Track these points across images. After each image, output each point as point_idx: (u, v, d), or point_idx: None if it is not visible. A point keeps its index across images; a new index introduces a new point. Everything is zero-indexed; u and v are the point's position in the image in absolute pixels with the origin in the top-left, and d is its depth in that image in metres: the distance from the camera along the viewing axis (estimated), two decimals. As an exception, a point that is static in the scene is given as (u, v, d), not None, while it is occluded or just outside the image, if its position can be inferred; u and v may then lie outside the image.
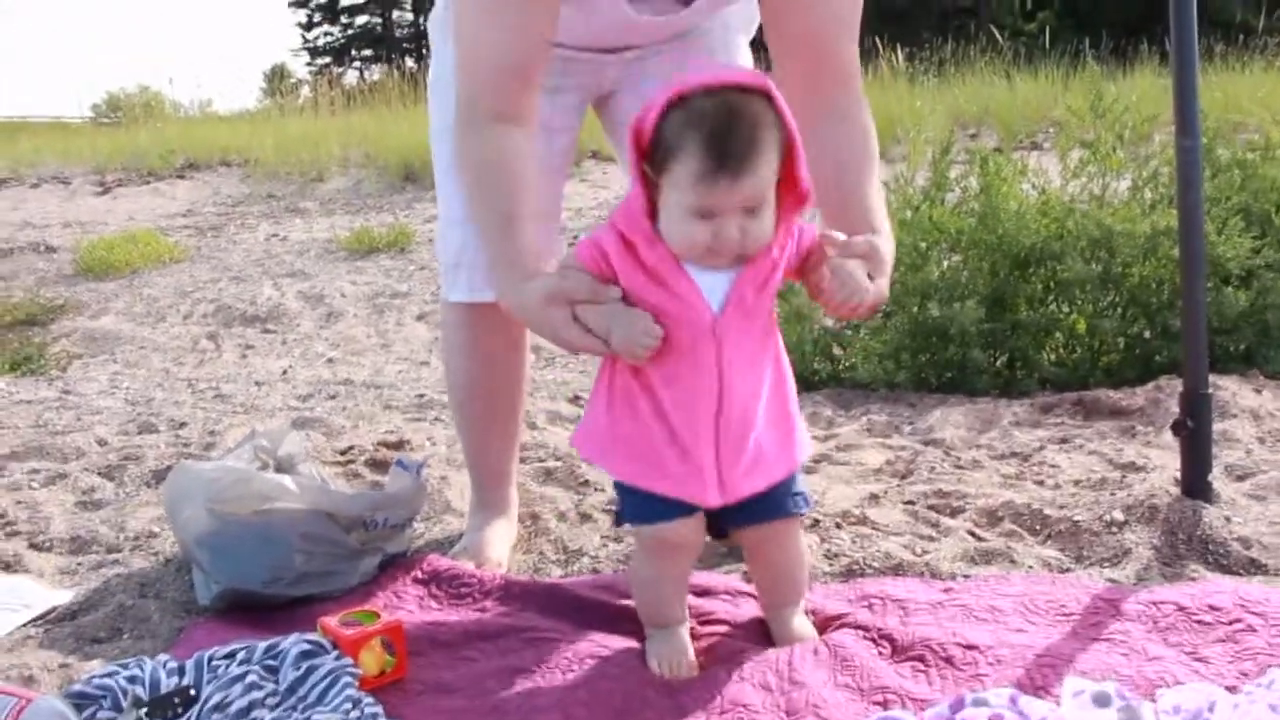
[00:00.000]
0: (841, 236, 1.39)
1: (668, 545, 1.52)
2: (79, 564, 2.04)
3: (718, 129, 1.29)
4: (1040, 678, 1.39)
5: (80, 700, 1.42)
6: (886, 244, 1.47)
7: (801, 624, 1.60)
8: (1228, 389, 2.63)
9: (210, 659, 1.50)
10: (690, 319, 1.38)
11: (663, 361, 1.40)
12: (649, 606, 1.58)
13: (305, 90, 16.36)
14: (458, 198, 1.85)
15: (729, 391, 1.40)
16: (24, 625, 1.79)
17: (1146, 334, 3.02)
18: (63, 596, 1.88)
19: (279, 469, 2.01)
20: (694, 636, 1.58)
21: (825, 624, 1.62)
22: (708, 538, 1.56)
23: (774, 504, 1.50)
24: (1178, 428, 1.96)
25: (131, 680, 1.46)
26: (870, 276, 1.40)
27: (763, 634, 1.60)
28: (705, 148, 1.29)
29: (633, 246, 1.38)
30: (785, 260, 1.42)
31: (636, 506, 1.50)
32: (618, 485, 1.53)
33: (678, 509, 1.47)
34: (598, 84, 1.87)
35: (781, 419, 1.48)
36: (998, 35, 10.58)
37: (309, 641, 1.50)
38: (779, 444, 1.48)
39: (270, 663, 1.49)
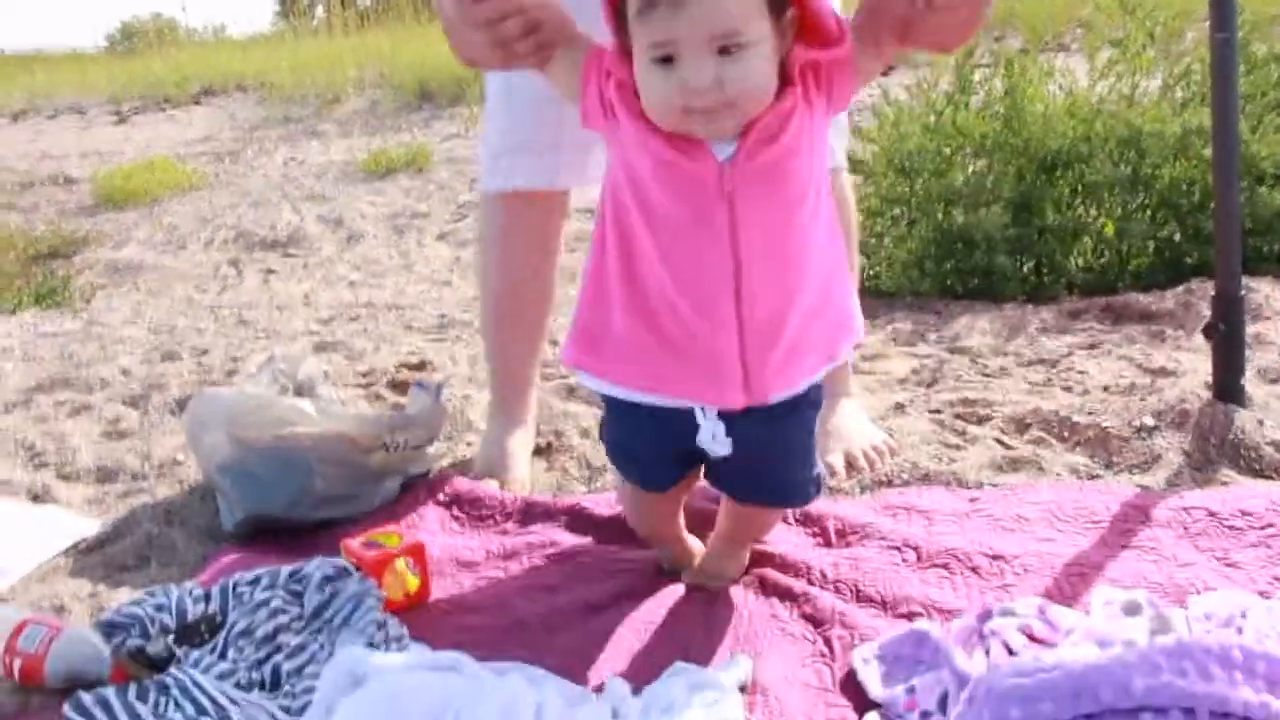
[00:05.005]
0: None
1: (653, 514, 1.48)
2: (106, 493, 2.05)
3: None
4: (1069, 587, 1.38)
5: (109, 629, 1.43)
6: None
7: (735, 564, 1.52)
8: (1261, 291, 2.58)
9: (235, 585, 1.51)
10: (690, 171, 1.15)
11: (661, 231, 1.18)
12: (640, 531, 1.55)
13: (320, 10, 16.15)
14: (503, 83, 1.81)
15: (748, 265, 1.17)
16: (55, 556, 1.80)
17: (1176, 237, 2.95)
18: (91, 526, 1.89)
19: (298, 393, 2.00)
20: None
21: (849, 533, 1.60)
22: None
23: (790, 491, 1.40)
24: (1209, 331, 1.92)
25: (159, 608, 1.46)
26: None
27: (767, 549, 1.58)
28: None
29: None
30: (822, 95, 1.17)
31: (617, 458, 1.40)
32: (607, 421, 1.37)
33: (664, 473, 1.37)
34: None
35: (835, 300, 1.27)
36: (1024, -68, 10.26)
37: (332, 565, 1.50)
38: (826, 330, 1.26)
39: (295, 587, 1.49)
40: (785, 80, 1.15)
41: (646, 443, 1.33)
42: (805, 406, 1.31)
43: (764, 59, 1.11)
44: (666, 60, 1.09)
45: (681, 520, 1.53)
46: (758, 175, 1.16)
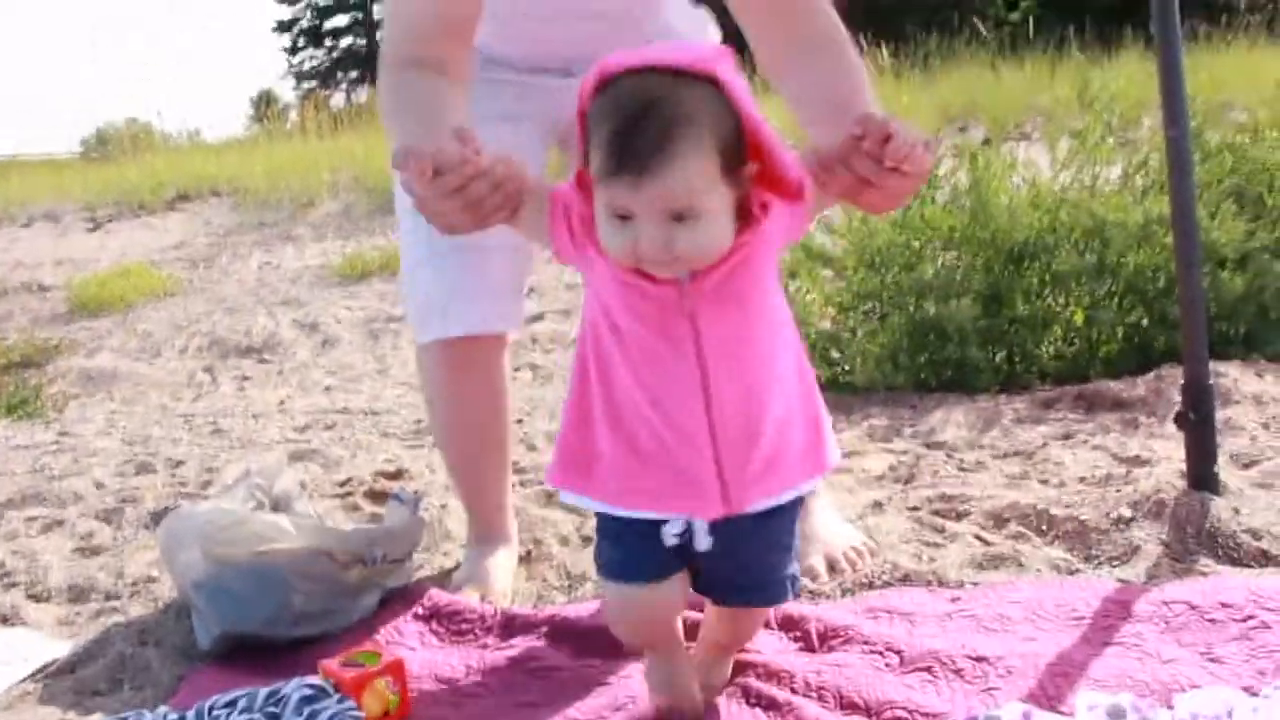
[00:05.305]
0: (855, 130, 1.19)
1: (646, 613, 1.37)
2: (78, 613, 2.02)
3: (624, 122, 1.12)
4: (1053, 688, 1.36)
5: (80, 759, 1.40)
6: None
7: (721, 671, 1.50)
8: (1229, 375, 2.61)
9: (211, 708, 1.48)
10: (653, 294, 1.20)
11: (632, 350, 1.23)
12: (636, 642, 1.47)
13: (293, 115, 16.36)
14: (421, 234, 1.82)
15: (715, 377, 1.22)
16: (23, 680, 1.76)
17: (1144, 322, 2.99)
18: (62, 648, 1.86)
19: (274, 507, 1.99)
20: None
21: (831, 636, 1.59)
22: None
23: (771, 588, 1.39)
24: (1180, 420, 1.94)
25: (131, 735, 1.43)
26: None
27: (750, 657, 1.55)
28: (608, 143, 1.13)
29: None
30: (773, 230, 1.23)
31: (611, 558, 1.34)
32: (598, 527, 1.37)
33: (654, 567, 1.32)
34: (556, 116, 1.78)
35: (805, 416, 1.31)
36: (980, 27, 10.57)
37: (310, 686, 1.48)
38: (803, 445, 1.30)
39: (272, 709, 1.46)
40: (744, 216, 1.20)
41: (642, 537, 1.31)
42: (787, 506, 1.34)
43: (717, 223, 1.16)
44: (626, 217, 1.15)
45: (680, 629, 1.46)
46: (715, 293, 1.21)
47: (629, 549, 1.32)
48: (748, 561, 1.35)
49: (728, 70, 1.14)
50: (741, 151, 1.16)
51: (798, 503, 1.36)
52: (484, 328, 1.85)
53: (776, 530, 1.35)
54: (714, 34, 1.89)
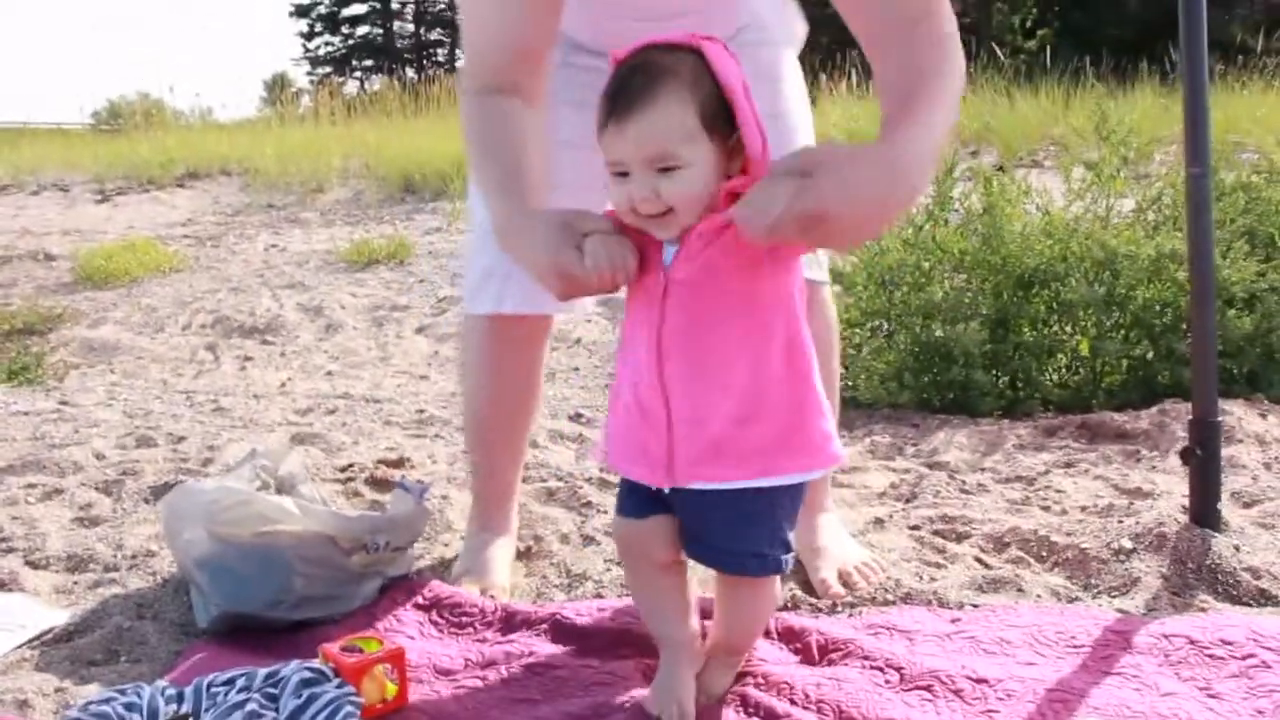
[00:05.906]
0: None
1: (628, 545, 1.48)
2: (76, 583, 2.02)
3: (617, 80, 1.31)
4: (1052, 714, 1.37)
5: (77, 728, 1.40)
6: (903, 147, 1.29)
7: (724, 679, 1.51)
8: (1233, 414, 2.62)
9: (210, 685, 1.48)
10: (643, 282, 1.36)
11: (625, 337, 1.42)
12: (644, 614, 1.55)
13: (306, 100, 16.36)
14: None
15: (668, 362, 1.33)
16: (19, 647, 1.77)
17: (1149, 356, 3.00)
18: (59, 617, 1.86)
19: (279, 489, 1.99)
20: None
21: (831, 650, 1.60)
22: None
23: (731, 557, 1.41)
24: (1186, 455, 1.94)
25: (129, 708, 1.43)
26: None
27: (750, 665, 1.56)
28: (604, 99, 1.31)
29: None
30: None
31: (618, 496, 1.50)
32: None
33: (636, 506, 1.44)
34: None
35: (772, 417, 1.34)
36: (999, 53, 10.58)
37: (310, 669, 1.48)
38: (758, 443, 1.34)
39: (271, 690, 1.46)
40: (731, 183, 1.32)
41: (629, 484, 1.46)
42: (747, 499, 1.37)
43: (700, 176, 1.29)
44: (623, 174, 1.30)
45: (694, 618, 1.49)
46: (688, 283, 1.32)
47: (623, 492, 1.48)
48: (707, 522, 1.40)
49: (714, 47, 1.31)
50: (725, 117, 1.29)
51: (773, 490, 1.37)
52: (538, 308, 1.86)
53: (742, 509, 1.38)
54: (800, 25, 1.90)
